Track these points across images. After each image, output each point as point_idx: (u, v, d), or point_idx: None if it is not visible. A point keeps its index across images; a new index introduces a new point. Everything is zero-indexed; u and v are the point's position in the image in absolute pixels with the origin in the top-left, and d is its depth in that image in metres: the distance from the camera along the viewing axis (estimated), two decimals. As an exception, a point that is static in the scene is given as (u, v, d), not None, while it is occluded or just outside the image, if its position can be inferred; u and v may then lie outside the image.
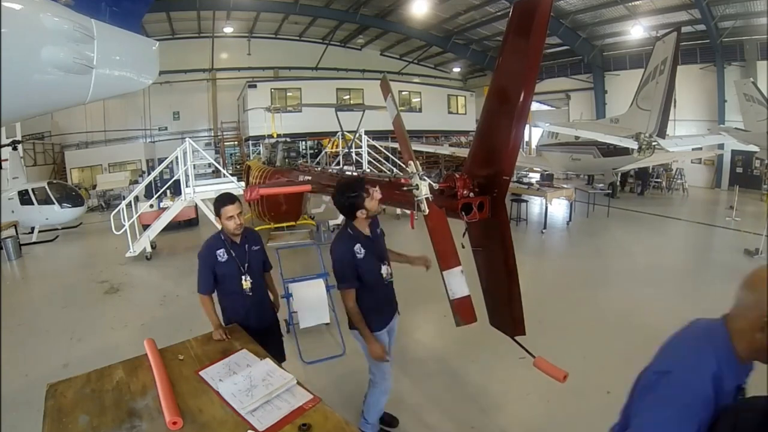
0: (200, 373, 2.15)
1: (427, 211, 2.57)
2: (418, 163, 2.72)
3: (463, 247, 2.66)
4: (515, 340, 2.56)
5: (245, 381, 2.00)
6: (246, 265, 2.84)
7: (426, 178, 2.66)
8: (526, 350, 2.51)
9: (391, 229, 10.07)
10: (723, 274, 6.54)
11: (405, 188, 2.77)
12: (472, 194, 2.38)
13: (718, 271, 6.77)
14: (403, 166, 11.64)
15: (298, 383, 2.00)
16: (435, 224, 2.60)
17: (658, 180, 15.45)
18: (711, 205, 13.05)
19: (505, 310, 2.55)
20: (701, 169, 16.18)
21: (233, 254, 2.81)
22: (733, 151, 14.53)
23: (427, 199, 2.57)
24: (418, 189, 2.60)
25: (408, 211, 10.05)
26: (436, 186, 2.71)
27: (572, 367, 2.41)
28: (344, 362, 4.15)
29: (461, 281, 2.66)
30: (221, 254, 2.80)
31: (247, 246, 2.89)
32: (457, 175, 2.44)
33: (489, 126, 2.41)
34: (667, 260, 7.48)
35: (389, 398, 2.95)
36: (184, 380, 2.11)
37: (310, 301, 4.48)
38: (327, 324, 4.67)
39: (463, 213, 2.36)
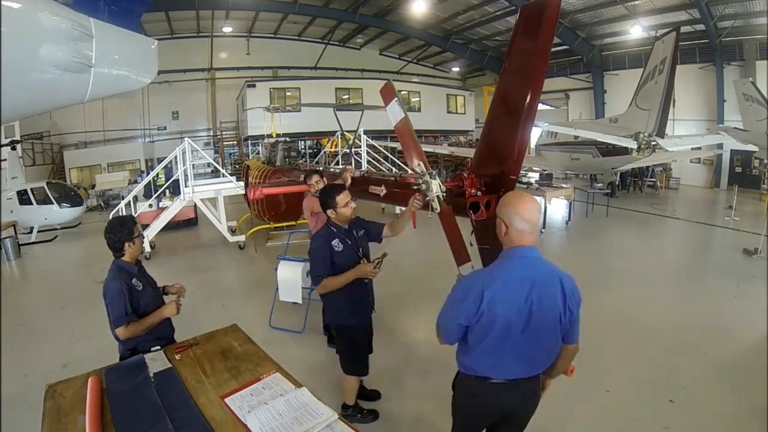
0: (225, 400, 1.94)
1: (440, 209, 2.60)
2: (426, 161, 2.75)
3: (471, 244, 2.68)
4: None
5: (278, 414, 1.79)
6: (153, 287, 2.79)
7: (436, 176, 2.68)
8: None
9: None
10: (722, 273, 6.56)
11: (415, 187, 2.81)
12: (479, 193, 2.40)
13: (716, 271, 6.79)
14: (403, 165, 11.66)
15: (340, 418, 1.80)
16: (447, 222, 2.65)
17: (653, 179, 15.47)
18: (710, 204, 13.08)
19: None
20: (700, 169, 16.21)
21: (146, 279, 2.74)
22: (732, 150, 14.53)
23: (438, 197, 2.60)
24: (428, 188, 2.63)
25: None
26: (443, 186, 2.73)
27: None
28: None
29: None
30: (136, 283, 2.62)
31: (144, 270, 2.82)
32: (465, 175, 2.46)
33: (496, 126, 2.43)
34: (666, 260, 7.49)
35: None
36: (184, 381, 2.11)
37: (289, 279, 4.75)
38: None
39: (471, 211, 2.38)
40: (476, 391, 1.95)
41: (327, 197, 2.91)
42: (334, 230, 2.91)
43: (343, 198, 2.88)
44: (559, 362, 2.04)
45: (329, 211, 2.91)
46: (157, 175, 9.85)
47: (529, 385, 1.94)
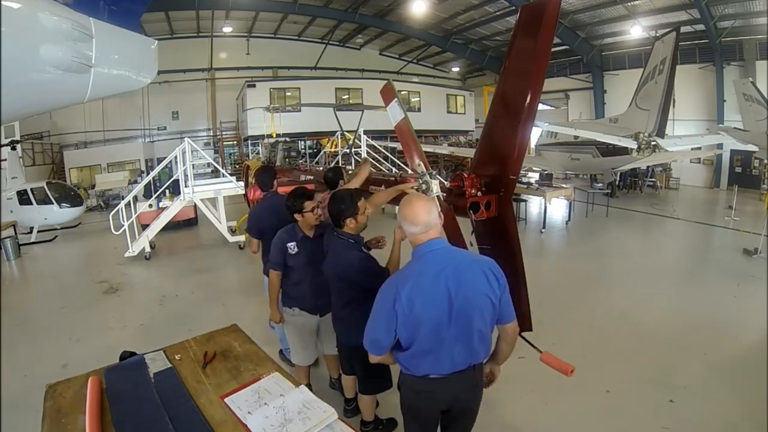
0: (225, 400, 1.93)
1: (440, 209, 2.60)
2: (426, 161, 2.75)
3: (471, 244, 2.67)
4: (522, 337, 2.58)
5: (278, 414, 1.77)
6: None
7: (437, 176, 2.67)
8: (533, 346, 2.52)
9: (391, 228, 10.05)
10: (722, 273, 6.56)
11: (415, 187, 2.79)
12: (479, 193, 2.40)
13: (716, 271, 6.78)
14: (403, 165, 11.63)
15: (340, 418, 1.80)
16: (448, 222, 2.65)
17: (653, 179, 15.48)
18: (710, 204, 13.08)
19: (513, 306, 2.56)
20: (700, 169, 16.21)
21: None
22: (732, 150, 14.53)
23: (438, 197, 2.60)
24: (428, 188, 2.62)
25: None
26: (445, 184, 2.73)
27: (572, 367, 2.40)
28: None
29: None
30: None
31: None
32: (465, 175, 2.45)
33: (496, 126, 2.43)
34: (666, 260, 7.49)
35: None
36: (184, 381, 2.11)
37: None
38: None
39: (471, 212, 2.38)
40: (420, 387, 1.99)
41: (349, 203, 2.51)
42: (353, 241, 2.59)
43: (363, 203, 2.58)
44: (502, 345, 2.11)
45: (349, 220, 2.52)
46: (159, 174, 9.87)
47: (470, 374, 1.97)
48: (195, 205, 9.09)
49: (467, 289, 1.83)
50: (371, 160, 11.16)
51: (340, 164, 10.72)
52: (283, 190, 6.81)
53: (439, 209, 1.96)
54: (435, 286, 1.81)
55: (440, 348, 1.87)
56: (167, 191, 9.09)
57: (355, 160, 10.53)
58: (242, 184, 9.23)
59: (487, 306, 1.86)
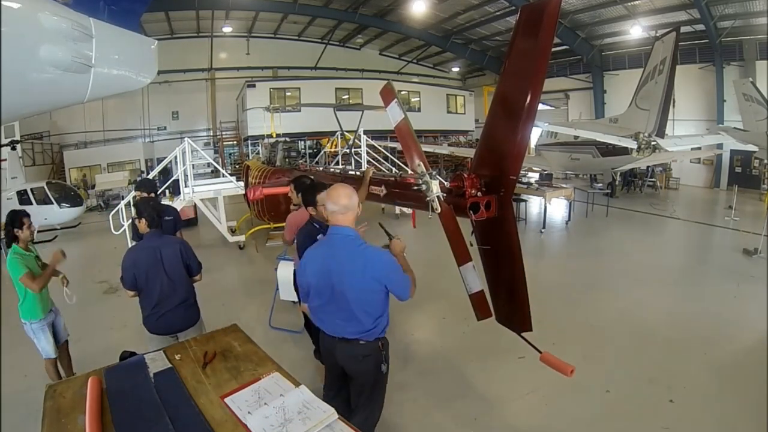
0: (225, 400, 1.92)
1: (440, 209, 2.60)
2: (426, 161, 2.75)
3: (471, 245, 2.68)
4: (522, 337, 2.58)
5: (278, 414, 1.77)
6: None
7: (437, 176, 2.67)
8: (533, 346, 2.53)
9: (391, 229, 10.04)
10: (722, 273, 6.56)
11: (415, 188, 2.79)
12: (479, 194, 2.40)
13: (716, 271, 6.78)
14: (403, 165, 11.62)
15: (339, 418, 1.78)
16: (448, 222, 2.65)
17: (653, 179, 15.48)
18: (710, 204, 13.08)
19: (512, 306, 2.57)
20: (700, 169, 16.22)
21: None
22: (732, 150, 14.54)
23: (438, 197, 2.60)
24: (428, 188, 2.62)
25: (408, 210, 10.07)
26: (446, 185, 2.73)
27: (572, 367, 2.40)
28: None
29: (474, 276, 2.75)
30: None
31: None
32: (465, 175, 2.45)
33: (496, 127, 2.43)
34: (665, 260, 7.49)
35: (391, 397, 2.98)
36: (184, 381, 2.10)
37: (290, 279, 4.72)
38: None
39: (471, 212, 2.38)
40: (322, 342, 2.44)
41: (310, 194, 3.04)
42: (317, 226, 2.94)
43: (323, 197, 2.81)
44: None
45: (310, 208, 3.06)
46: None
47: (349, 345, 2.30)
48: (195, 205, 9.09)
49: (346, 277, 2.26)
50: (373, 161, 11.17)
51: (339, 164, 10.73)
52: (283, 190, 6.87)
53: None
54: (319, 264, 2.33)
55: (325, 312, 2.38)
56: (167, 191, 9.09)
57: (356, 161, 10.53)
58: (242, 184, 9.24)
59: (370, 293, 2.32)
